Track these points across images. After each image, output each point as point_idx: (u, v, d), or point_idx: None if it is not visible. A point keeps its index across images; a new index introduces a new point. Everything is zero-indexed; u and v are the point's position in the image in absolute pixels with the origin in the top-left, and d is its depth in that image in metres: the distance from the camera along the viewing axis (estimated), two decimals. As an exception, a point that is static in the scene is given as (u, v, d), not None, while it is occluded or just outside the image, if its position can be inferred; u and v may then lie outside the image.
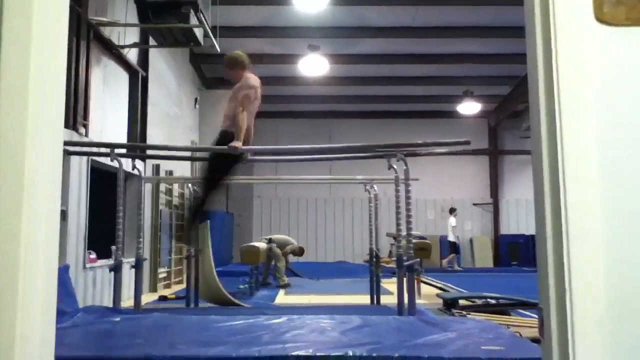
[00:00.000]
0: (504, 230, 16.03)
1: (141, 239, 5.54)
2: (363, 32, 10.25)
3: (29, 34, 1.25)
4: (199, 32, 7.07)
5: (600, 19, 1.31)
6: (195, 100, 11.98)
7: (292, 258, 10.47)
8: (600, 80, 1.33)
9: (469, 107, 14.21)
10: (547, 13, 1.34)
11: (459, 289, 8.31)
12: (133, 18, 7.15)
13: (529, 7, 1.40)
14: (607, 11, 1.29)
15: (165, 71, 9.73)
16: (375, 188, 7.08)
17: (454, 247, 13.83)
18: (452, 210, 14.15)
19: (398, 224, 5.32)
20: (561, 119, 1.32)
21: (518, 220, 16.03)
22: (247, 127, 4.45)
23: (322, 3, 8.67)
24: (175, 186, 10.08)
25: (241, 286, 8.51)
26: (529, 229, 15.18)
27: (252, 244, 8.93)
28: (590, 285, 1.29)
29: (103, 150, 5.91)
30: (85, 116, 6.30)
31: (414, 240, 5.17)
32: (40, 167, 1.26)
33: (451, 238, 13.69)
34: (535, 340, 3.59)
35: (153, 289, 8.65)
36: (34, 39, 1.25)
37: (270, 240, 9.42)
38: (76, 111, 6.07)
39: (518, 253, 15.12)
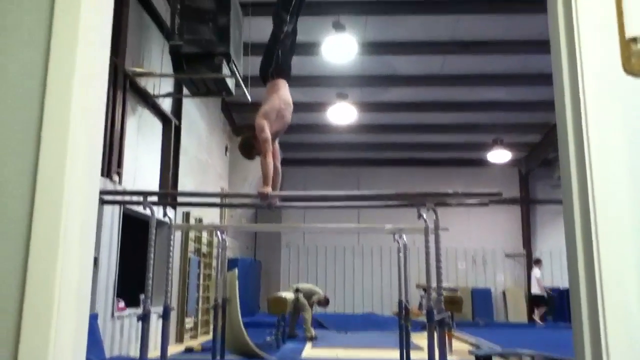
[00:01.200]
0: (538, 282, 15.52)
1: (169, 288, 5.52)
2: (391, 80, 10.37)
3: (70, 83, 1.29)
4: (230, 82, 7.24)
5: (628, 70, 1.31)
6: (226, 148, 12.18)
7: (319, 309, 10.31)
8: (630, 131, 1.32)
9: (499, 155, 14.09)
10: (574, 65, 1.34)
11: (492, 345, 8.03)
12: (168, 68, 7.40)
13: (556, 58, 1.41)
14: (635, 62, 1.29)
15: (198, 119, 9.96)
16: (404, 237, 6.99)
17: (542, 300, 13.14)
18: (537, 262, 13.56)
19: (428, 276, 5.22)
20: (592, 169, 1.30)
21: (552, 272, 15.51)
22: (274, 169, 4.40)
23: (350, 54, 8.84)
24: (204, 234, 10.15)
25: (268, 338, 8.39)
26: (564, 282, 14.68)
27: (279, 293, 8.85)
28: (627, 342, 1.23)
29: (135, 198, 6.00)
30: (120, 164, 6.45)
31: (444, 293, 5.04)
32: (77, 215, 1.28)
33: (536, 291, 13.05)
34: (572, 399, 3.42)
35: (180, 339, 8.58)
36: (75, 88, 1.30)
37: (297, 290, 9.32)
38: (111, 159, 6.21)
39: (552, 307, 14.55)
